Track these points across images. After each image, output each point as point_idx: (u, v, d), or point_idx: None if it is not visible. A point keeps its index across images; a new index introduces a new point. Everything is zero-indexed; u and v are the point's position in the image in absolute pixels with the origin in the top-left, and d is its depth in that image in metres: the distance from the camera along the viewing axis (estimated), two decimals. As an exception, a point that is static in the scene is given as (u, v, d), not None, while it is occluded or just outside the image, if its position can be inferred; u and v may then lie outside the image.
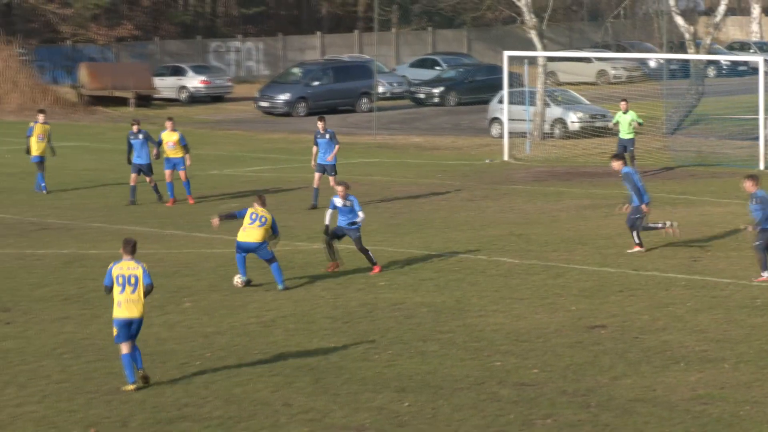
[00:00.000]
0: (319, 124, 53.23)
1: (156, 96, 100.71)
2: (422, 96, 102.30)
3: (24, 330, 32.51)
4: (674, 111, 76.67)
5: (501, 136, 70.57)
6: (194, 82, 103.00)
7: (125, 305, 27.35)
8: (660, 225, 43.25)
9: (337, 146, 52.49)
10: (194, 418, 24.88)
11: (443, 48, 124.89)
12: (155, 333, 32.03)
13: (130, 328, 27.47)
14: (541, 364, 28.88)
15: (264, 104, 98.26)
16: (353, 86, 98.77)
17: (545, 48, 79.74)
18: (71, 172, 60.17)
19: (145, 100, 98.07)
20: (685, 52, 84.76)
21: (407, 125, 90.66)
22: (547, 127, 75.06)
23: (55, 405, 25.73)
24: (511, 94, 71.82)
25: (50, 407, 25.50)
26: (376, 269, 40.51)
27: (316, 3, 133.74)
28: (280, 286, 36.67)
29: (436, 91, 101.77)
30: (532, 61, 76.52)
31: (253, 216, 36.59)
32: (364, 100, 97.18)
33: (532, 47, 78.62)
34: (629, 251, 43.25)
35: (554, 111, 77.68)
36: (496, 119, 75.79)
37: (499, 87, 74.44)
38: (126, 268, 27.59)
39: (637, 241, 43.05)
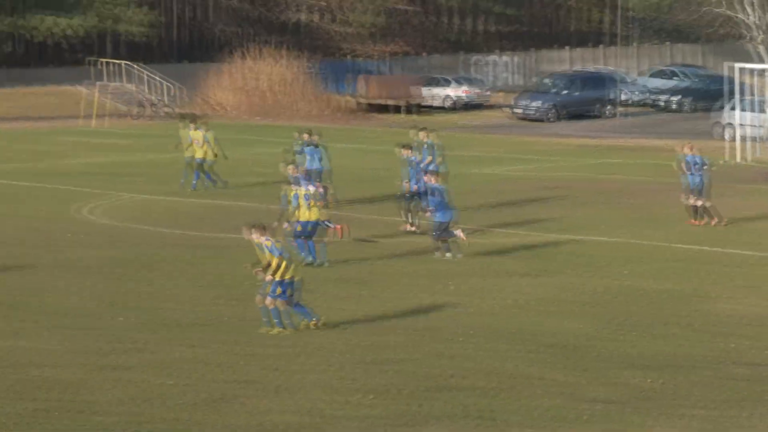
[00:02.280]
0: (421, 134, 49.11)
1: (423, 104, 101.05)
2: (661, 103, 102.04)
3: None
4: None
5: (733, 140, 69.68)
6: (457, 91, 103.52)
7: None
8: None
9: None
10: (459, 388, 24.60)
11: (679, 60, 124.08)
12: (422, 312, 32.34)
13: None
14: (773, 346, 27.25)
15: (518, 111, 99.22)
16: (598, 94, 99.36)
17: (772, 60, 79.58)
18: (355, 170, 59.60)
19: (415, 108, 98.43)
20: None
21: (647, 129, 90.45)
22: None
23: (338, 373, 25.88)
24: (741, 101, 71.77)
25: (333, 375, 25.72)
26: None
27: (566, 21, 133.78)
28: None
29: (674, 98, 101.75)
30: (761, 72, 75.82)
31: None
32: (608, 106, 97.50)
33: (761, 60, 78.12)
34: None
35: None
36: (728, 124, 74.90)
37: (731, 96, 73.97)
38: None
39: None
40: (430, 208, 39.93)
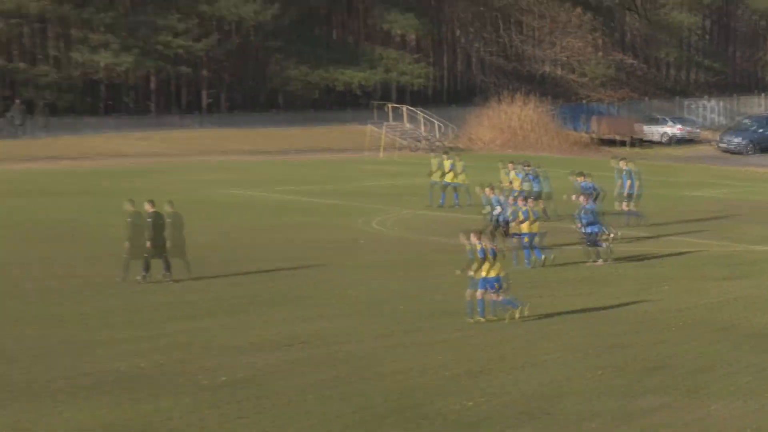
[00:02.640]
0: (621, 163, 50.23)
1: (645, 139, 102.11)
2: None
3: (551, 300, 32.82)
4: None
5: None
6: (672, 129, 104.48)
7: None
8: None
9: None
10: (671, 367, 25.68)
11: None
12: (642, 308, 32.77)
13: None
14: None
15: (723, 145, 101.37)
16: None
17: None
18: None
19: (637, 142, 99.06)
20: None
21: None
22: None
23: (572, 354, 26.92)
24: None
25: (569, 355, 26.80)
26: None
27: (763, 72, 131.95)
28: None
29: None
30: None
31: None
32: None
33: None
34: None
35: None
36: None
37: None
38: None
39: None
40: (583, 223, 40.02)
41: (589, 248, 40.29)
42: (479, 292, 29.80)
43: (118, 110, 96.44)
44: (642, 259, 41.62)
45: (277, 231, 47.62)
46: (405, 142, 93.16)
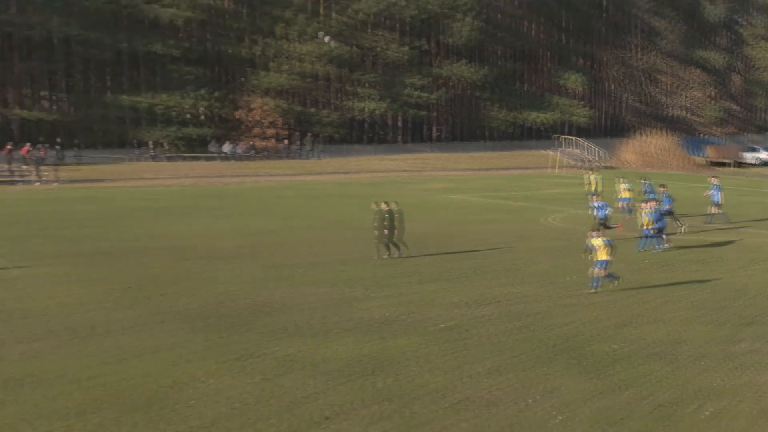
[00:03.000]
0: (713, 180, 47.78)
1: (744, 162, 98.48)
2: None
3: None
4: None
5: None
6: (763, 155, 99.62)
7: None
8: None
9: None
10: (762, 323, 25.10)
11: None
12: (740, 281, 31.65)
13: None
14: None
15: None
16: None
17: None
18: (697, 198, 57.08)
19: (738, 164, 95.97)
20: None
21: None
22: None
23: (692, 313, 26.48)
24: None
25: (689, 314, 26.21)
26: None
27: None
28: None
29: None
30: None
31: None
32: None
33: None
34: None
35: None
36: None
37: None
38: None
39: None
40: (654, 220, 38.41)
41: (654, 238, 38.98)
42: (596, 270, 29.33)
43: (375, 140, 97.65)
44: (738, 246, 40.16)
45: (480, 224, 47.54)
46: (573, 162, 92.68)
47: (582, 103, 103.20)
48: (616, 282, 29.85)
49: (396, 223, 36.34)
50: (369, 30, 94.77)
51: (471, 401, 18.27)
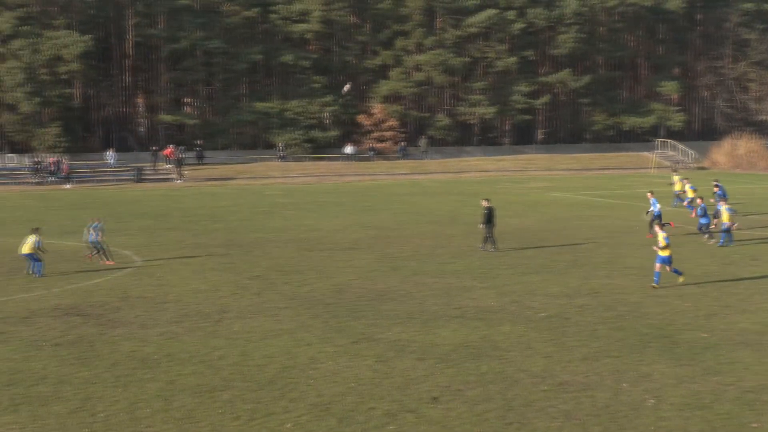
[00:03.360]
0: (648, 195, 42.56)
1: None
2: None
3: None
4: None
5: None
6: None
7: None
8: None
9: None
10: None
11: None
12: None
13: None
14: None
15: None
16: None
17: None
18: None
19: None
20: None
21: None
22: None
23: None
24: None
25: (761, 322, 25.22)
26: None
27: None
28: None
29: None
30: None
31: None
32: None
33: None
34: None
35: None
36: None
37: None
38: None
39: None
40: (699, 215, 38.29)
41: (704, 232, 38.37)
42: (658, 266, 28.04)
43: (484, 142, 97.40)
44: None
45: (579, 219, 46.77)
46: (668, 164, 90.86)
47: (677, 108, 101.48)
48: (681, 277, 28.66)
49: (494, 219, 36.04)
50: (480, 42, 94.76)
51: (569, 385, 18.15)
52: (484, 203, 36.33)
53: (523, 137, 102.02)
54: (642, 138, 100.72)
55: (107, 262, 32.64)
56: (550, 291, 27.56)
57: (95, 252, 33.18)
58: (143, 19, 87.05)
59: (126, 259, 33.82)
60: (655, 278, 28.09)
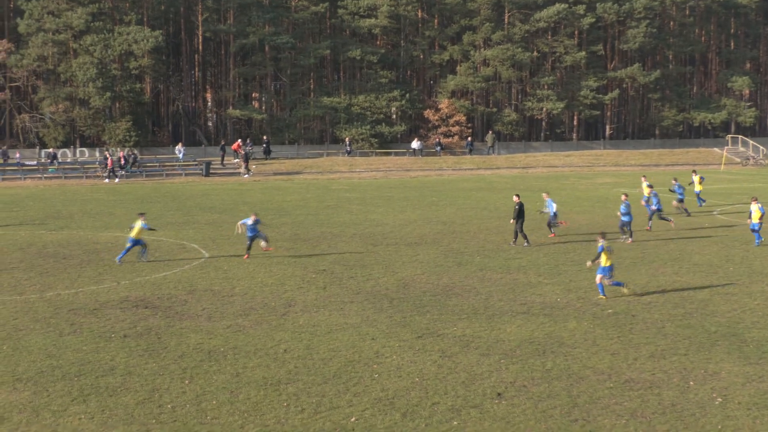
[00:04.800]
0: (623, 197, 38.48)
1: None
2: None
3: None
4: None
5: None
6: None
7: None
8: None
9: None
10: None
11: None
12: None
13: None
14: None
15: None
16: None
17: None
18: None
19: None
20: None
21: None
22: None
23: None
24: None
25: None
26: None
27: None
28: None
29: None
30: None
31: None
32: None
33: None
34: None
35: None
36: None
37: None
38: None
39: None
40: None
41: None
42: (599, 277, 25.94)
43: (552, 138, 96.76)
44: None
45: (647, 215, 45.97)
46: (738, 160, 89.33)
47: (748, 103, 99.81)
48: (624, 288, 26.46)
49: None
50: (549, 36, 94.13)
51: (635, 382, 18.00)
52: (516, 198, 36.23)
53: (591, 133, 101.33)
54: (712, 134, 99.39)
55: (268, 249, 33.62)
56: (613, 287, 27.25)
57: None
58: (212, 15, 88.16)
59: (194, 253, 34.21)
60: (599, 290, 26.05)
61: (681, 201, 46.41)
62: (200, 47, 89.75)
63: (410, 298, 25.76)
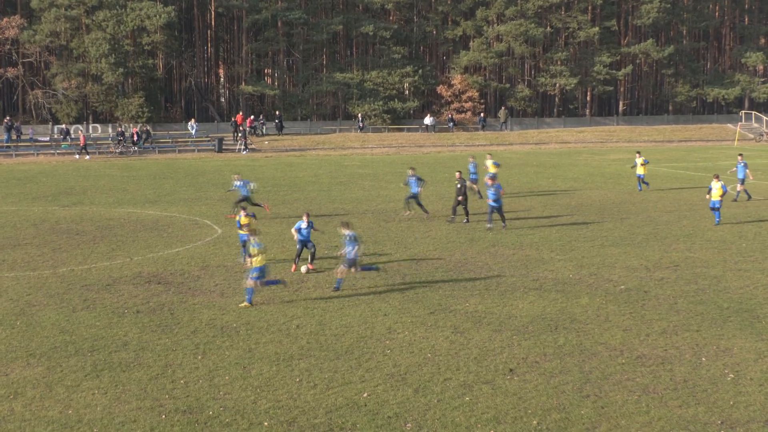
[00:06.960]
0: (410, 172, 38.01)
1: None
2: None
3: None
4: None
5: None
6: None
7: None
8: None
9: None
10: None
11: None
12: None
13: None
14: None
15: None
16: None
17: None
18: None
19: None
20: None
21: None
22: None
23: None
24: None
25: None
26: None
27: None
28: None
29: None
30: None
31: None
32: None
33: None
34: None
35: None
36: None
37: None
38: None
39: None
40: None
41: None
42: (251, 282, 22.00)
43: (565, 114, 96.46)
44: None
45: (660, 192, 45.96)
46: (751, 136, 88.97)
47: (762, 79, 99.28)
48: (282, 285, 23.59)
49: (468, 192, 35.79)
50: (562, 11, 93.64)
51: (647, 358, 17.94)
52: (458, 175, 36.42)
53: (604, 108, 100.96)
54: (726, 110, 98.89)
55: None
56: (630, 263, 27.15)
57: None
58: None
59: (206, 229, 34.23)
60: (247, 297, 22.33)
61: (742, 182, 43.41)
62: (213, 23, 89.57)
63: (422, 274, 25.73)
